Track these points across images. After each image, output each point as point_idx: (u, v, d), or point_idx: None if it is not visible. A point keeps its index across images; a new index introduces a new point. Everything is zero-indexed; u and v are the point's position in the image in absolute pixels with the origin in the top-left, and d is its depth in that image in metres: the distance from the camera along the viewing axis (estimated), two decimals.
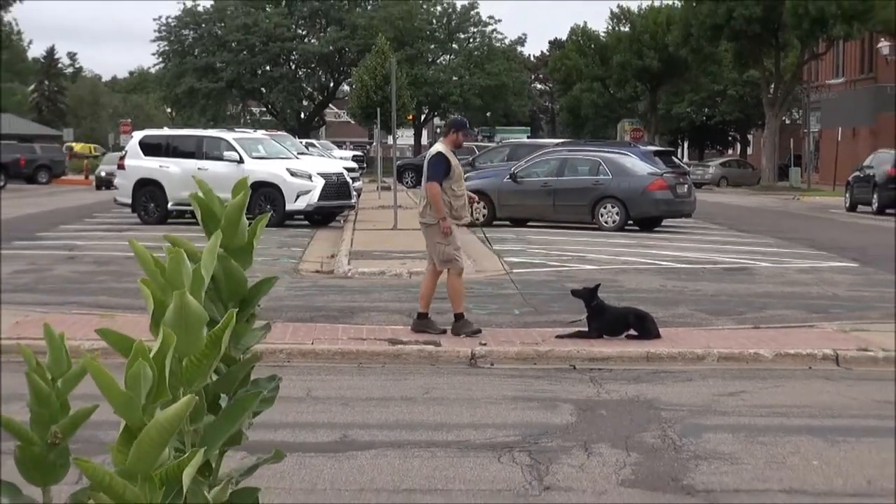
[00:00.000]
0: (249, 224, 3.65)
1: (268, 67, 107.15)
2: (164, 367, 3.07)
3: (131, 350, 3.10)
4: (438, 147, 16.13)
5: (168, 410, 2.97)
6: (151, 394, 3.07)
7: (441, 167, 15.55)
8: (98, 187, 65.18)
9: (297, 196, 35.57)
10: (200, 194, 3.60)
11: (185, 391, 3.10)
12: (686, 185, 38.29)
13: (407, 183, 55.29)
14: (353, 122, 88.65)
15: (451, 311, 17.06)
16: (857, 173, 52.36)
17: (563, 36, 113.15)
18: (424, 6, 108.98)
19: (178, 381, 3.14)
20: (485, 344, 14.90)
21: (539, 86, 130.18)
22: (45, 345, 3.54)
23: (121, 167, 38.62)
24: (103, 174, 64.51)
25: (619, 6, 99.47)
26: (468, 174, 40.36)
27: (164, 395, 3.07)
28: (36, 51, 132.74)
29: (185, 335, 3.13)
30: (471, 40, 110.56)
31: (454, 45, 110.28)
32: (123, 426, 3.09)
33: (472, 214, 17.19)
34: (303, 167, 37.38)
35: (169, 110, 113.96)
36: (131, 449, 2.98)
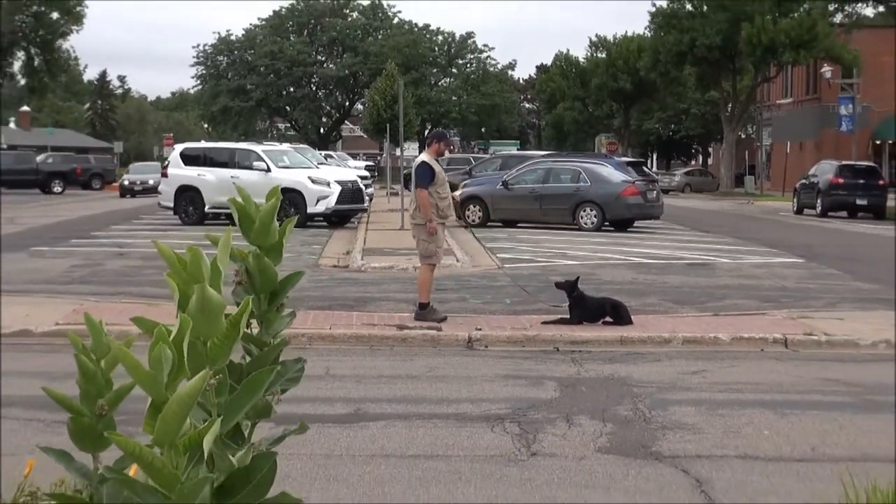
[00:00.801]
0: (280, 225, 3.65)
1: (292, 89, 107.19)
2: (182, 349, 3.08)
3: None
4: (423, 157, 16.10)
5: (186, 386, 2.98)
6: (172, 372, 3.08)
7: (427, 175, 15.57)
8: (122, 195, 61.75)
9: (318, 200, 35.56)
10: (239, 199, 3.60)
11: (211, 369, 3.10)
12: (655, 192, 38.31)
13: (410, 189, 55.05)
14: (365, 136, 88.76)
15: (453, 301, 17.07)
16: (803, 181, 52.37)
17: (549, 61, 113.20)
18: (428, 36, 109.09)
19: (203, 361, 3.14)
20: (480, 329, 14.89)
21: (527, 105, 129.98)
22: (97, 328, 3.55)
23: (164, 175, 38.62)
24: (126, 183, 62.94)
25: (596, 35, 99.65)
26: (466, 182, 40.65)
27: (183, 373, 3.08)
28: (90, 74, 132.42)
29: (206, 321, 3.14)
30: (468, 65, 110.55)
31: (453, 70, 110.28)
32: (150, 402, 3.10)
33: (457, 214, 17.21)
34: (322, 175, 37.37)
35: (206, 126, 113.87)
36: (157, 421, 2.99)
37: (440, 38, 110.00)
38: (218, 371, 3.20)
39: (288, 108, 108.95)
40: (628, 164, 40.24)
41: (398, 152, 44.81)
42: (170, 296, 3.42)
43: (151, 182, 60.53)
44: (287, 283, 3.59)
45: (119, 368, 3.63)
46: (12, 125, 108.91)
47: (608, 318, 15.32)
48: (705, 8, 74.19)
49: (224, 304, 3.20)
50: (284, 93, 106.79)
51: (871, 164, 56.04)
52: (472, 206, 36.71)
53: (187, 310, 3.17)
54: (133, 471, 3.34)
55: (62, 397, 3.51)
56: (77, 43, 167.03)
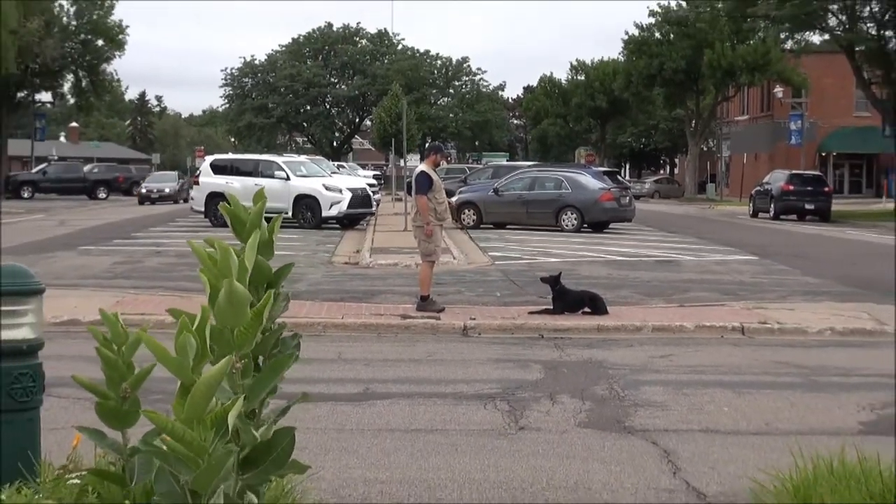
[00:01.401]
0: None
1: (308, 107, 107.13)
2: (205, 336, 3.08)
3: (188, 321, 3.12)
4: (422, 167, 16.09)
5: (212, 369, 2.98)
6: (197, 357, 3.07)
7: (425, 183, 15.57)
8: (141, 203, 57.99)
9: (331, 205, 35.56)
10: (227, 204, 3.60)
11: (238, 353, 3.10)
12: (628, 197, 38.36)
13: (412, 195, 55.02)
14: (373, 148, 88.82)
15: (450, 294, 17.06)
16: (758, 188, 52.43)
17: (534, 83, 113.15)
18: (428, 60, 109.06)
19: (231, 346, 3.14)
20: (474, 318, 14.90)
21: (515, 121, 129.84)
22: (138, 319, 3.55)
23: (195, 183, 38.59)
24: (144, 191, 60.10)
25: (576, 60, 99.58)
26: (462, 189, 40.67)
27: (206, 357, 3.08)
28: (131, 94, 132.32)
29: (233, 311, 3.14)
30: (463, 86, 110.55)
31: (450, 90, 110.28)
32: (179, 384, 3.09)
33: (454, 217, 17.23)
34: (335, 183, 37.37)
35: (233, 140, 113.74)
36: (186, 401, 2.99)
37: (439, 62, 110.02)
38: (243, 356, 3.20)
39: (305, 124, 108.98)
40: (604, 173, 40.37)
41: (402, 163, 44.89)
42: (201, 289, 3.41)
43: (167, 190, 59.54)
44: (280, 275, 3.58)
45: (139, 354, 3.63)
46: (63, 139, 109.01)
47: (587, 309, 15.32)
48: (672, 36, 74.36)
49: (249, 297, 3.20)
50: (302, 111, 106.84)
51: (817, 173, 56.13)
52: (467, 210, 36.77)
53: (216, 301, 3.17)
54: None
55: (89, 383, 3.50)
56: (119, 67, 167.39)
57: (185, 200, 57.75)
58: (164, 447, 3.06)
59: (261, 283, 3.50)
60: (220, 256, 3.27)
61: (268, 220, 3.74)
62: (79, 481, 4.61)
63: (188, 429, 2.94)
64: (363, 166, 77.72)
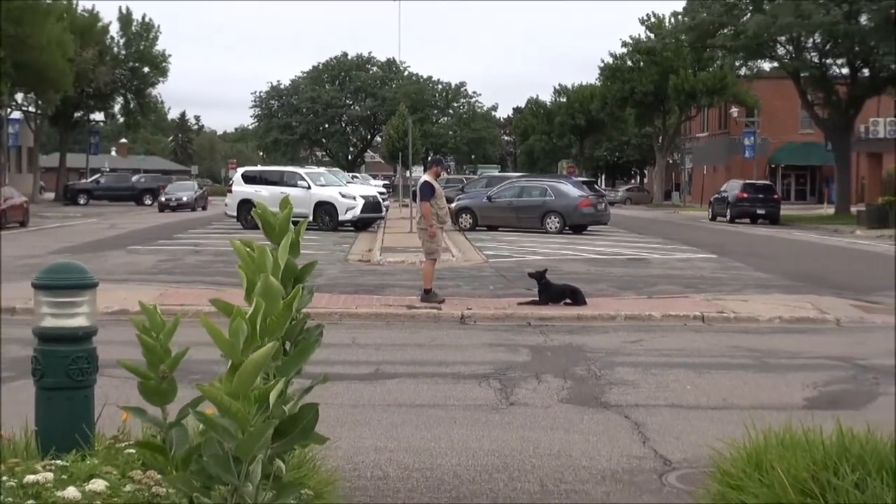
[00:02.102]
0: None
1: (327, 125, 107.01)
2: (256, 324, 3.09)
3: (231, 312, 3.12)
4: (425, 177, 16.12)
5: (259, 352, 2.98)
6: (247, 341, 3.08)
7: (428, 191, 15.59)
8: (161, 210, 55.37)
9: (346, 210, 35.57)
10: (258, 210, 3.61)
11: (270, 339, 3.11)
12: (603, 204, 38.44)
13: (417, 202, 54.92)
14: (383, 161, 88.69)
15: (449, 287, 17.04)
16: (716, 195, 52.38)
17: (522, 104, 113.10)
18: (430, 85, 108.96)
19: (265, 332, 3.15)
20: (470, 309, 14.91)
21: (506, 137, 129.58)
22: (179, 309, 3.55)
23: (229, 191, 38.64)
24: (163, 199, 57.04)
25: (559, 84, 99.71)
26: (460, 196, 40.67)
27: (255, 342, 3.09)
28: (173, 114, 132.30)
29: (268, 302, 3.15)
30: (461, 107, 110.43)
31: (450, 111, 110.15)
32: (230, 363, 3.10)
33: (453, 220, 17.27)
34: (350, 191, 37.41)
35: (261, 154, 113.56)
36: (234, 378, 2.99)
37: (440, 86, 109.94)
38: (275, 340, 3.21)
39: (324, 140, 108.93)
40: (583, 182, 40.64)
41: (408, 174, 44.90)
42: (234, 283, 3.42)
43: (185, 199, 56.92)
44: (306, 271, 3.59)
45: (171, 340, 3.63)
46: (114, 153, 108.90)
47: (568, 300, 15.34)
48: (642, 64, 74.37)
49: (282, 290, 3.21)
50: (321, 128, 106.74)
51: (768, 182, 56.09)
52: (464, 215, 36.78)
53: (253, 293, 3.18)
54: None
55: (132, 365, 3.51)
56: (163, 90, 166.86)
57: (203, 208, 57.00)
58: (211, 418, 3.07)
59: (289, 279, 3.51)
60: (258, 255, 3.29)
61: (293, 223, 3.75)
62: (133, 451, 4.63)
63: (235, 402, 2.95)
64: (374, 177, 77.66)
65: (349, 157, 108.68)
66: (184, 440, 3.55)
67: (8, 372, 10.11)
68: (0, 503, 3.61)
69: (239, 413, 2.95)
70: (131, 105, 76.57)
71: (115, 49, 73.50)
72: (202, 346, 3.62)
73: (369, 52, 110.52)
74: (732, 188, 50.14)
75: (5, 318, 14.02)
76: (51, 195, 73.08)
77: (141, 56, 74.34)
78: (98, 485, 3.83)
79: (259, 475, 3.08)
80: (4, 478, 3.86)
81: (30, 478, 3.86)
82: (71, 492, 3.71)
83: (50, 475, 3.92)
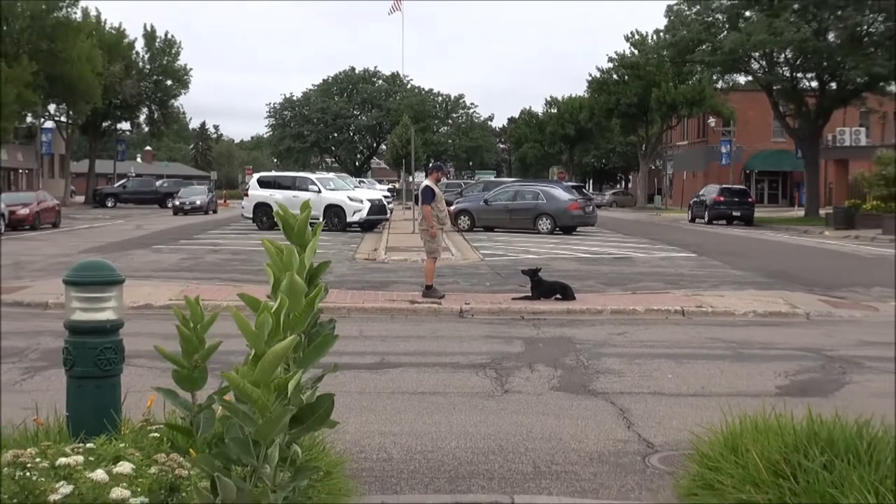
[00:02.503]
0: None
1: (335, 134, 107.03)
2: (280, 319, 3.09)
3: (257, 306, 3.13)
4: (426, 182, 16.10)
5: (281, 344, 2.98)
6: (271, 333, 3.09)
7: (429, 195, 15.58)
8: (175, 213, 53.52)
9: (354, 212, 35.57)
10: (280, 212, 3.61)
11: (292, 333, 3.11)
12: (591, 206, 38.42)
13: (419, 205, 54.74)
14: (387, 167, 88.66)
15: (449, 283, 17.03)
16: (695, 199, 52.36)
17: (517, 114, 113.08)
18: (431, 97, 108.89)
19: (289, 326, 3.15)
20: (468, 303, 14.88)
21: (501, 145, 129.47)
22: (194, 304, 3.56)
23: (245, 195, 38.67)
24: (177, 203, 55.14)
25: (550, 96, 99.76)
26: (458, 200, 40.65)
27: (278, 335, 3.09)
28: (194, 123, 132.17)
29: (292, 299, 3.15)
30: (459, 118, 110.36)
31: (449, 121, 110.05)
32: (252, 353, 3.10)
33: (452, 222, 17.29)
34: (357, 195, 37.40)
35: (275, 160, 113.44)
36: (257, 367, 2.99)
37: (440, 98, 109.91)
38: (297, 333, 3.21)
39: (333, 147, 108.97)
40: (572, 187, 40.54)
41: (410, 179, 44.96)
42: (249, 280, 3.41)
43: (198, 202, 55.27)
44: (320, 269, 3.59)
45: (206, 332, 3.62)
46: (139, 160, 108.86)
47: (558, 296, 15.32)
48: (626, 77, 74.29)
49: (305, 287, 3.21)
50: (330, 137, 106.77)
51: (742, 187, 56.06)
52: (462, 217, 36.75)
53: (280, 290, 3.19)
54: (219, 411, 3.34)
55: (169, 354, 3.51)
56: (184, 101, 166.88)
57: (214, 211, 56.00)
58: (233, 403, 3.07)
59: (304, 276, 3.51)
60: (286, 255, 3.30)
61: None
62: (157, 434, 4.62)
63: (256, 389, 2.96)
64: (380, 181, 77.63)
65: (356, 164, 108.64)
66: (210, 423, 3.55)
67: (41, 362, 10.12)
68: (34, 484, 3.60)
69: (259, 400, 2.96)
70: (155, 115, 76.56)
71: (141, 63, 73.48)
72: (219, 337, 3.61)
73: (375, 67, 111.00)
74: (710, 192, 50.15)
75: (39, 312, 14.03)
76: (81, 199, 73.07)
77: (164, 70, 74.31)
78: (124, 467, 3.82)
79: (276, 458, 3.08)
80: (38, 459, 3.85)
81: (61, 460, 3.85)
82: (99, 473, 3.71)
83: (80, 458, 3.91)
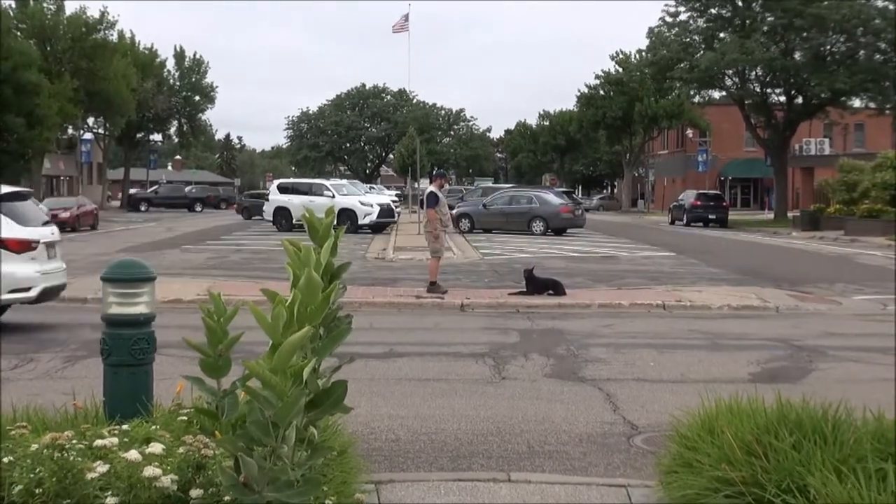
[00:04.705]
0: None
1: (348, 144, 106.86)
2: (293, 311, 3.08)
3: (275, 299, 3.14)
4: (431, 188, 16.07)
5: (296, 335, 2.97)
6: (286, 325, 3.08)
7: (433, 199, 15.55)
8: (239, 211, 52.09)
9: (364, 216, 35.57)
10: (307, 215, 3.60)
11: (308, 325, 3.11)
12: (580, 210, 38.46)
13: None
14: (395, 174, 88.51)
15: (451, 280, 17.00)
16: (674, 203, 52.30)
17: (512, 127, 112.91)
18: (435, 111, 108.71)
19: (306, 318, 3.14)
20: (469, 298, 14.88)
21: (499, 154, 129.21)
22: (224, 299, 3.55)
23: (266, 199, 38.74)
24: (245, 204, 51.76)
25: (543, 110, 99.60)
26: (459, 204, 40.64)
27: (292, 326, 3.08)
28: (219, 135, 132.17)
29: (309, 293, 3.14)
30: (460, 129, 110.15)
31: (451, 132, 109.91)
32: (271, 344, 3.09)
33: (454, 224, 17.25)
34: (368, 200, 37.45)
35: (293, 168, 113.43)
36: (274, 356, 2.98)
37: (443, 112, 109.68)
38: (315, 326, 3.21)
39: (346, 157, 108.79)
40: (563, 192, 40.63)
41: (416, 185, 44.98)
42: (270, 276, 3.40)
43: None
44: (341, 270, 3.57)
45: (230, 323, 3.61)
46: (169, 168, 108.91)
47: (551, 291, 15.31)
48: (612, 93, 74.23)
49: (321, 284, 3.20)
50: (343, 147, 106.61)
51: (718, 192, 56.06)
52: (463, 220, 36.74)
53: (298, 286, 3.18)
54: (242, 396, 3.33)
55: (196, 344, 3.50)
56: (211, 115, 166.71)
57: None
58: (254, 389, 3.07)
59: (327, 275, 3.50)
60: (304, 254, 3.29)
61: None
62: (185, 417, 4.61)
63: (274, 376, 2.95)
64: (388, 187, 77.56)
65: (367, 171, 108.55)
66: (234, 408, 3.54)
67: (80, 352, 10.11)
68: (72, 464, 3.59)
69: (277, 385, 2.95)
70: (184, 128, 76.60)
71: (171, 81, 73.51)
72: (243, 329, 3.60)
73: (384, 83, 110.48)
74: (688, 197, 50.07)
75: (79, 306, 14.02)
76: (117, 203, 73.06)
77: (193, 87, 74.32)
78: (156, 447, 3.81)
79: (294, 438, 3.07)
80: (75, 441, 3.84)
81: (98, 442, 3.84)
82: (133, 454, 3.69)
83: (115, 440, 3.90)
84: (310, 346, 3.21)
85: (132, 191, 72.30)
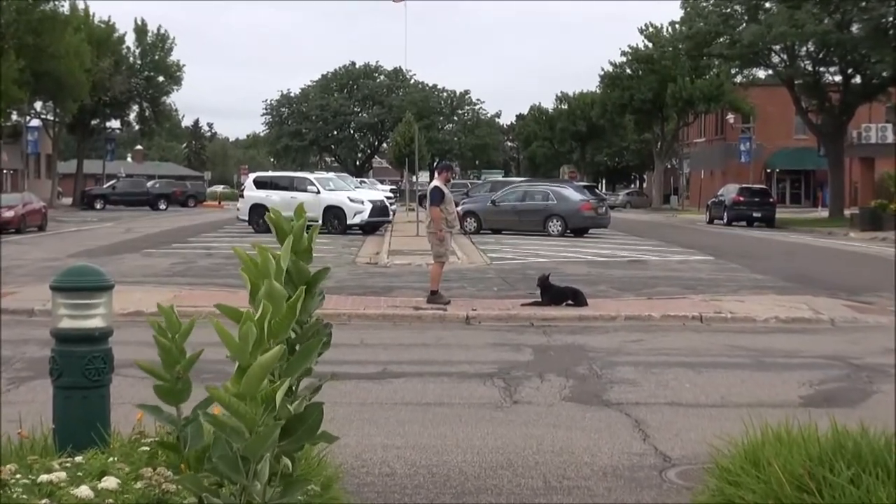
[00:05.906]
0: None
1: (335, 132, 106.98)
2: (264, 327, 3.07)
3: (239, 316, 3.11)
4: (435, 183, 16.06)
5: (266, 355, 2.97)
6: (255, 344, 3.07)
7: (438, 196, 15.52)
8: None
9: (355, 214, 35.55)
10: (272, 215, 3.60)
11: (274, 342, 3.09)
12: (604, 207, 38.41)
13: (425, 206, 54.78)
14: (390, 167, 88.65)
15: (455, 289, 17.00)
16: (713, 199, 52.29)
17: (525, 111, 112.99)
18: (436, 93, 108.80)
19: (270, 334, 3.13)
20: (475, 309, 14.87)
21: (509, 143, 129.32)
22: (192, 311, 3.54)
23: (241, 196, 38.73)
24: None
25: (561, 91, 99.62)
26: (465, 200, 40.64)
27: (263, 344, 3.07)
28: (187, 121, 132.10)
29: (272, 306, 3.13)
30: (465, 114, 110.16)
31: (455, 118, 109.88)
32: (237, 365, 3.08)
33: (461, 225, 17.22)
34: (358, 196, 37.41)
35: (272, 160, 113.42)
36: (242, 380, 2.97)
37: (445, 94, 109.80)
38: (280, 342, 3.19)
39: (333, 146, 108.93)
40: (584, 187, 40.63)
41: (414, 179, 45.00)
42: (245, 286, 3.38)
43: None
44: (318, 277, 3.57)
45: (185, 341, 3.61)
46: (129, 159, 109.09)
47: (569, 301, 15.29)
48: (640, 72, 74.23)
49: (285, 293, 3.19)
50: (330, 135, 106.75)
51: (763, 186, 56.07)
52: (468, 219, 36.66)
53: (257, 297, 3.17)
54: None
55: (148, 366, 3.50)
56: (177, 98, 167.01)
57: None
58: (220, 419, 3.06)
59: (301, 284, 3.48)
60: (261, 259, 3.27)
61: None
62: (147, 448, 4.61)
63: (242, 403, 2.94)
64: (381, 181, 77.61)
65: (357, 163, 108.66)
66: (198, 437, 3.53)
67: (26, 372, 10.11)
68: (15, 501, 3.59)
69: (247, 415, 2.94)
70: (146, 113, 76.71)
71: (131, 59, 73.62)
72: (215, 346, 3.59)
73: (376, 61, 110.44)
74: (729, 192, 50.07)
75: (24, 319, 14.03)
76: (68, 200, 73.20)
77: (156, 66, 74.45)
78: (110, 482, 3.81)
79: (267, 474, 3.07)
80: (19, 476, 3.84)
81: (43, 477, 3.84)
82: (84, 490, 3.69)
83: (63, 474, 3.90)
84: (278, 364, 3.21)
85: (86, 187, 72.45)
